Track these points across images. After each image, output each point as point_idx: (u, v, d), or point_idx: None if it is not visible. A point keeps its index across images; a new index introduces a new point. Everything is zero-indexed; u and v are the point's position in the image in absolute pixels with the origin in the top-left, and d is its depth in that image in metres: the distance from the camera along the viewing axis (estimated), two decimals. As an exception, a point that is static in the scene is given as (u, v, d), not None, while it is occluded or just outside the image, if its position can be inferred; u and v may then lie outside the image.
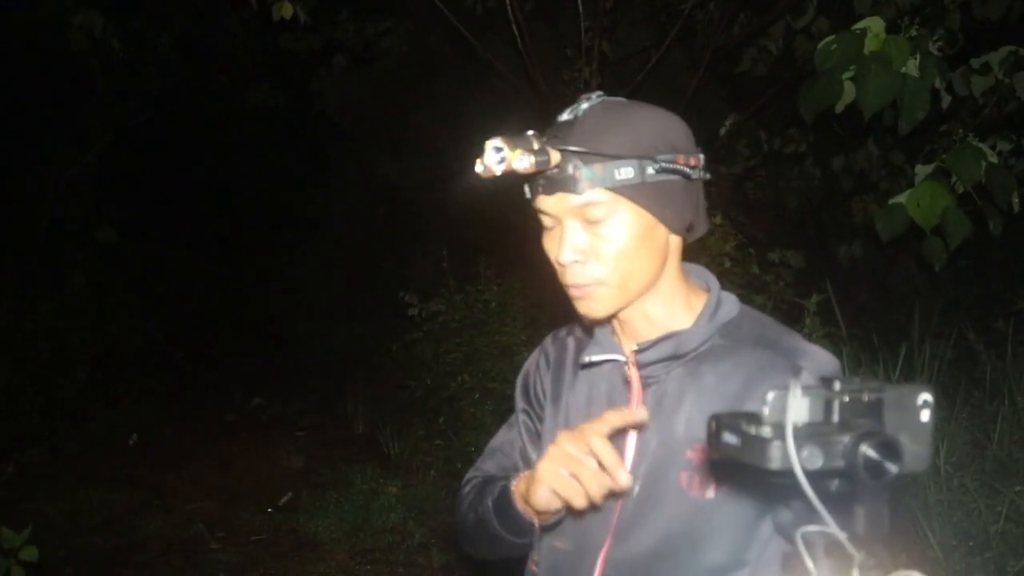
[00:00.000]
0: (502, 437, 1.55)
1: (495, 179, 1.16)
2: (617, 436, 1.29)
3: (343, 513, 4.93)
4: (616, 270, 1.21)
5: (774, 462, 0.67)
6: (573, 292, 1.25)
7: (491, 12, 5.42)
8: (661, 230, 1.23)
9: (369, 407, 6.67)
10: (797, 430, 0.67)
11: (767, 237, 4.97)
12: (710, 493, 1.21)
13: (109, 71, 7.10)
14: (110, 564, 4.54)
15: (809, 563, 0.68)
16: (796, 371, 1.19)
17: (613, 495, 1.23)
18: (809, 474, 0.65)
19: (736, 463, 0.71)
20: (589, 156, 1.16)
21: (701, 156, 1.23)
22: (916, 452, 0.69)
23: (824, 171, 5.68)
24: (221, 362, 8.37)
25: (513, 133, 1.16)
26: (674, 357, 1.26)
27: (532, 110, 5.21)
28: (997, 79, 3.84)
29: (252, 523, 5.05)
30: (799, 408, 0.68)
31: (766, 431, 0.68)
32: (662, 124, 1.21)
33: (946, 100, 3.68)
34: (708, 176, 1.25)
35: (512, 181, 1.20)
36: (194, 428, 6.70)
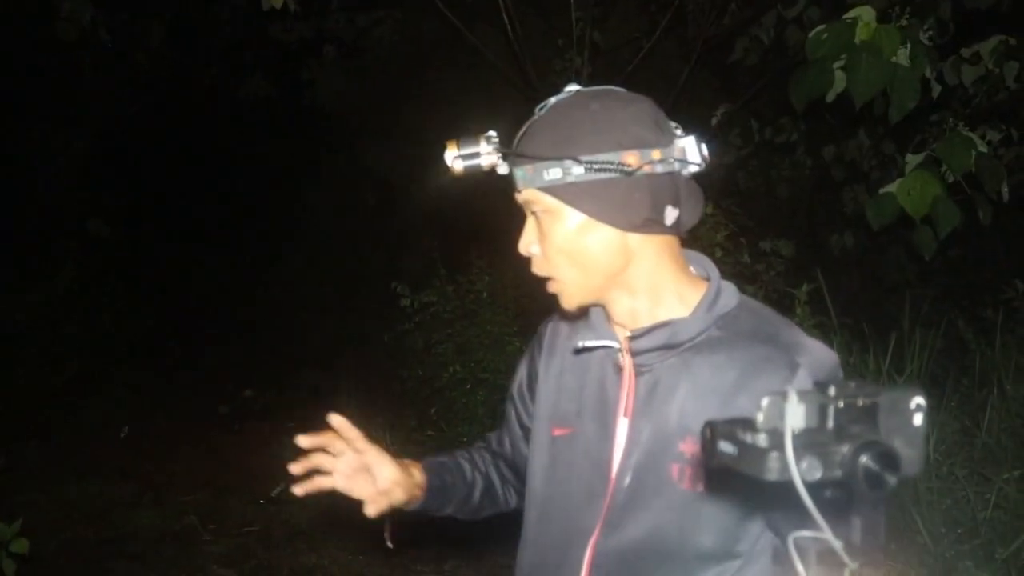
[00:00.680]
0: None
1: (463, 175, 1.25)
2: (607, 426, 1.29)
3: (335, 504, 4.91)
4: (558, 267, 1.25)
5: (772, 473, 0.66)
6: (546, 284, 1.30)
7: (482, 2, 5.40)
8: (605, 228, 1.22)
9: (361, 398, 6.66)
10: (794, 439, 0.66)
11: (759, 226, 4.97)
12: (701, 486, 1.20)
13: (98, 61, 7.06)
14: (102, 556, 4.53)
15: (801, 569, 0.68)
16: (793, 367, 1.18)
17: (603, 485, 1.25)
18: (807, 485, 0.65)
19: (733, 471, 0.70)
20: (519, 158, 1.21)
21: (682, 146, 1.21)
22: (909, 456, 0.68)
23: (815, 161, 5.69)
24: (212, 353, 8.33)
25: (468, 135, 1.23)
26: (668, 346, 1.25)
27: (523, 100, 5.19)
28: (987, 69, 3.85)
29: (244, 514, 5.05)
30: (795, 415, 0.68)
31: (762, 439, 0.67)
32: (611, 120, 1.20)
33: (936, 89, 3.69)
34: (684, 168, 1.21)
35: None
36: (186, 419, 6.68)
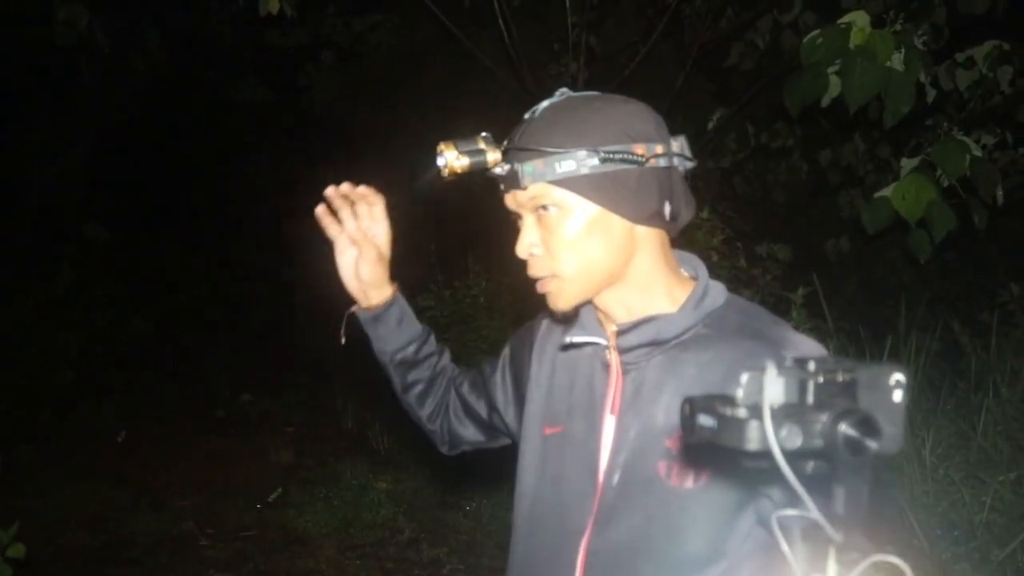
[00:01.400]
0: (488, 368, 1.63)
1: (457, 178, 1.28)
2: (594, 424, 1.30)
3: (332, 508, 4.92)
4: (567, 262, 1.24)
5: (752, 443, 0.66)
6: (538, 286, 1.29)
7: (478, 7, 5.41)
8: (616, 220, 1.23)
9: (358, 402, 6.66)
10: (774, 411, 0.66)
11: (754, 231, 4.98)
12: (689, 483, 1.21)
13: (96, 66, 7.05)
14: (98, 561, 4.52)
15: (785, 547, 0.68)
16: (780, 362, 1.19)
17: (592, 483, 1.26)
18: (787, 454, 0.65)
19: (713, 446, 0.70)
20: (529, 152, 1.21)
21: (676, 143, 1.25)
22: (889, 433, 0.67)
23: (811, 165, 5.70)
24: (210, 358, 8.33)
25: (463, 135, 1.26)
26: (655, 343, 1.26)
27: (520, 105, 5.19)
28: (982, 73, 3.87)
29: (241, 519, 5.04)
30: (775, 389, 0.68)
31: (742, 412, 0.68)
32: (615, 114, 1.23)
33: (931, 94, 3.70)
34: (681, 164, 1.25)
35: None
36: (183, 424, 6.67)
